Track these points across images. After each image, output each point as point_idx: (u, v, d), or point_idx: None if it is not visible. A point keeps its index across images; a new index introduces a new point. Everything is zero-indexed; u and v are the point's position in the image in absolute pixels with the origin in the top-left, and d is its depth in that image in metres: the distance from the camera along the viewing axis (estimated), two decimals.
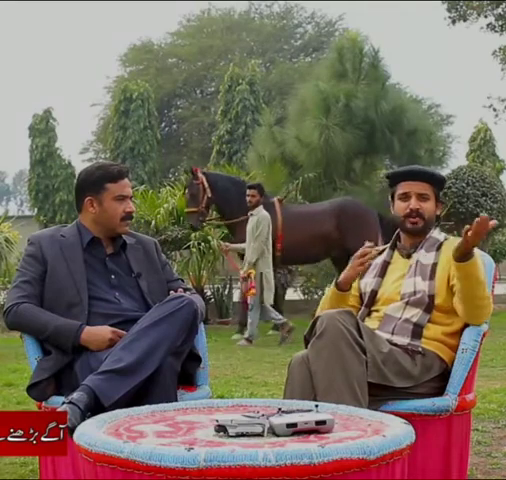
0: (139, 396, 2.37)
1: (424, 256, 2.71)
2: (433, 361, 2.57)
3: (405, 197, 2.75)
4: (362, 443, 1.59)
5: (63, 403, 2.26)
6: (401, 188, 2.77)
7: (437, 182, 2.79)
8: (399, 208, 2.76)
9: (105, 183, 2.79)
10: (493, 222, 2.39)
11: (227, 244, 8.79)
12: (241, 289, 8.76)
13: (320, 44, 30.60)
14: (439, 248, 2.73)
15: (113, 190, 2.79)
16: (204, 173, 9.14)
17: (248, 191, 8.18)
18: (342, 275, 2.76)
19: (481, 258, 2.72)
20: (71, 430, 2.12)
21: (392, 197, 2.82)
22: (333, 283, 2.80)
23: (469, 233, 2.37)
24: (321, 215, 8.99)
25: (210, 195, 8.87)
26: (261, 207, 8.16)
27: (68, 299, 2.69)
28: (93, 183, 2.80)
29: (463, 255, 2.45)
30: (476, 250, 2.64)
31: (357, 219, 8.82)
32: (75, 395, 2.28)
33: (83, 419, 2.17)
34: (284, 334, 8.05)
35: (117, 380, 2.34)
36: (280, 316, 8.29)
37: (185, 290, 2.83)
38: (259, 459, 1.50)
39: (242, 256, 8.53)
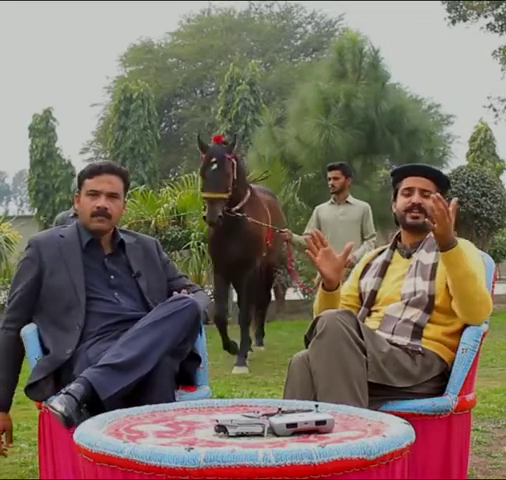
0: (137, 396, 2.37)
1: (424, 256, 2.71)
2: (433, 361, 2.57)
3: (408, 192, 2.75)
4: (362, 443, 1.59)
5: (60, 393, 2.28)
6: (406, 183, 2.77)
7: (442, 182, 2.79)
8: (401, 203, 2.76)
9: (84, 179, 2.81)
10: (453, 202, 2.44)
11: (290, 231, 6.56)
12: None
13: (320, 44, 30.61)
14: None
15: (87, 185, 2.79)
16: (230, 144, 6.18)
17: (330, 173, 6.54)
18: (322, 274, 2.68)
19: (480, 257, 2.72)
20: (67, 420, 2.13)
21: (395, 194, 2.82)
22: (320, 283, 2.76)
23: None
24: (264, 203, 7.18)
25: (236, 178, 6.08)
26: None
27: (66, 300, 2.68)
28: (78, 180, 2.85)
29: (442, 245, 2.48)
30: (471, 248, 2.65)
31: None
32: (72, 386, 2.30)
33: (78, 410, 2.19)
34: None
35: (115, 374, 2.34)
36: None
37: (189, 286, 2.84)
38: (259, 459, 1.50)
39: None
